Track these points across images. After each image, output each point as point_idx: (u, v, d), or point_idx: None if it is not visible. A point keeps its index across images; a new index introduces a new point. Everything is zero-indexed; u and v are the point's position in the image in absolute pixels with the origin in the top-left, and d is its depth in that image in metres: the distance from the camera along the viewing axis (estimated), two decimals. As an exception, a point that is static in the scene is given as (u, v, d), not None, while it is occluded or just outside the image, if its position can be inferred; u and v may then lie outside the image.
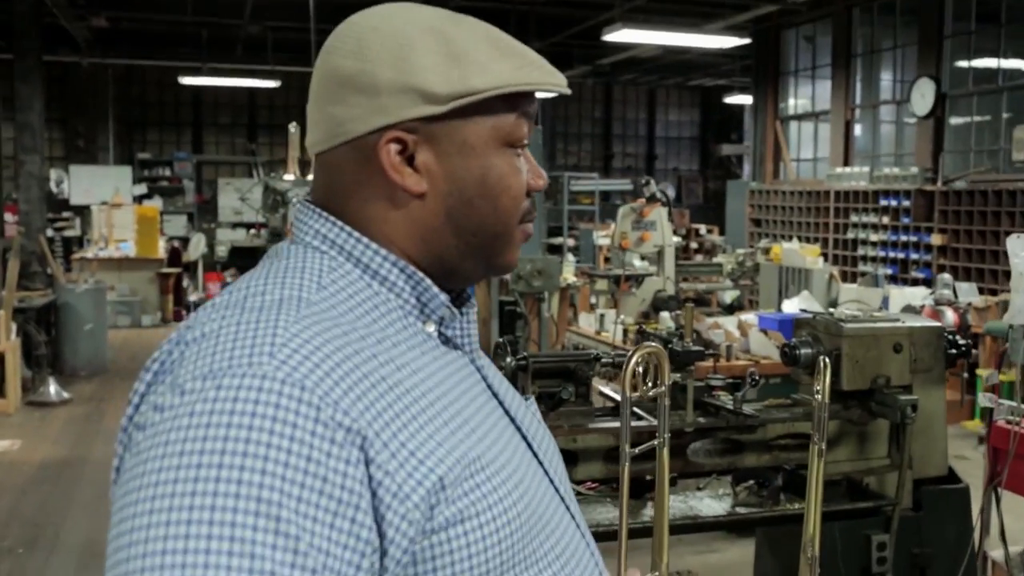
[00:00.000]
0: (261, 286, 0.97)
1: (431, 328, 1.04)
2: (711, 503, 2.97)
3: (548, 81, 1.04)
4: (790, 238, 11.74)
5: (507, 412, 1.10)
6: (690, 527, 2.89)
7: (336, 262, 1.01)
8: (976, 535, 3.30)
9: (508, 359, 2.81)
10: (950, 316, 7.08)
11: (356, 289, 1.00)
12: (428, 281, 1.03)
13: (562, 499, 1.10)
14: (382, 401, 0.90)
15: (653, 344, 1.61)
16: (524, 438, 1.09)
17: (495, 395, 1.10)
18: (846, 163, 14.11)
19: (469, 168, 1.02)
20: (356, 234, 1.02)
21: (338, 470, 0.84)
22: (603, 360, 2.82)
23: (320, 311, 0.93)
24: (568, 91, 1.08)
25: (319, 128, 1.04)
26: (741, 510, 2.93)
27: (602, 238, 9.72)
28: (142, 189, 18.96)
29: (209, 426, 0.82)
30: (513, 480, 0.98)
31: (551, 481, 1.10)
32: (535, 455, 1.09)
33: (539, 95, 1.10)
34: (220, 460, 0.81)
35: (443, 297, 1.04)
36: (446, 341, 1.06)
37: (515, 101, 1.04)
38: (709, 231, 14.27)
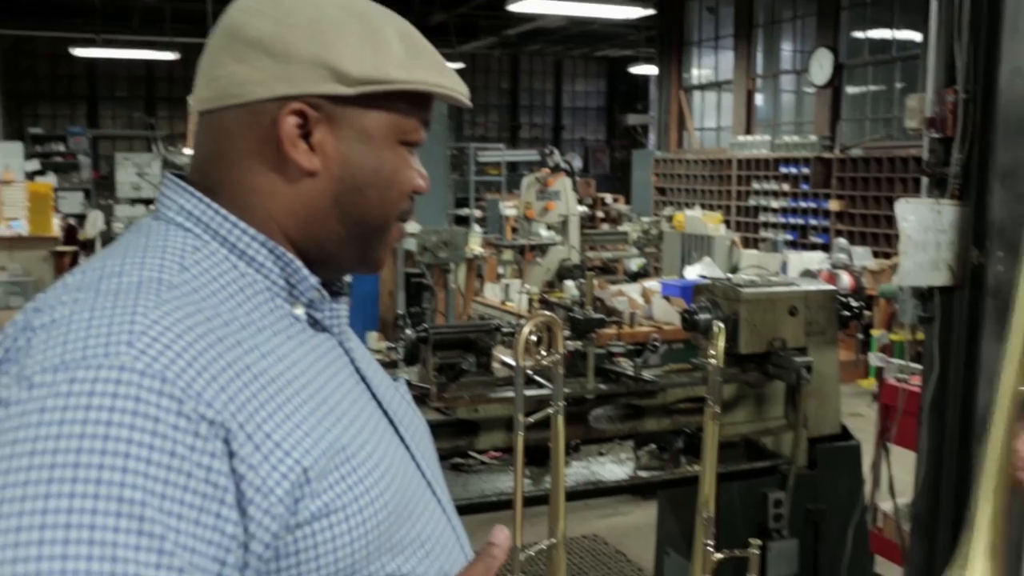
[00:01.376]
0: (118, 266, 0.91)
1: (299, 311, 1.01)
2: (613, 468, 3.00)
3: (456, 88, 1.05)
4: (693, 206, 11.92)
5: (375, 396, 1.07)
6: (593, 492, 2.92)
7: (200, 241, 0.97)
8: (867, 489, 3.41)
9: (408, 331, 2.79)
10: (845, 279, 7.25)
11: (221, 271, 0.95)
12: (298, 263, 1.00)
13: (428, 483, 1.09)
14: (246, 391, 0.86)
15: (546, 313, 1.61)
16: (392, 423, 1.07)
17: (363, 379, 1.07)
18: (748, 132, 14.36)
19: (365, 156, 1.01)
20: (223, 212, 0.98)
21: (202, 464, 0.81)
22: (504, 330, 2.82)
23: (182, 295, 0.89)
24: (469, 104, 1.09)
25: (212, 85, 0.99)
26: (643, 474, 2.97)
27: (509, 209, 9.74)
28: (35, 165, 18.22)
29: (63, 423, 0.77)
30: (380, 469, 0.96)
31: (418, 465, 1.08)
32: (402, 439, 1.08)
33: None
34: (76, 460, 0.76)
35: (313, 280, 1.01)
36: (314, 324, 1.03)
37: (419, 102, 1.03)
38: (615, 200, 14.40)
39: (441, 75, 1.03)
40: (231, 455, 0.83)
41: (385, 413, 1.07)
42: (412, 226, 8.15)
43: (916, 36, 11.51)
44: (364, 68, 0.97)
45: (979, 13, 2.80)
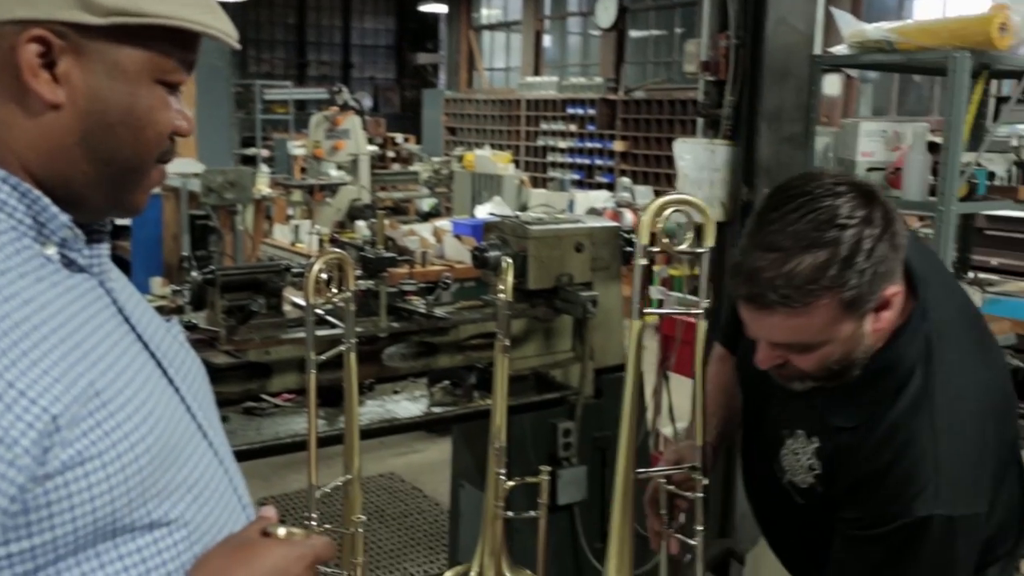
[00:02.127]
0: None
1: (51, 251, 0.95)
2: (408, 405, 3.03)
3: (221, 28, 0.99)
4: (483, 146, 12.02)
5: (141, 339, 1.03)
6: (387, 429, 2.94)
7: None
8: (649, 415, 3.59)
9: (194, 273, 2.70)
10: (629, 217, 7.57)
11: None
12: (46, 200, 0.94)
13: (200, 427, 1.06)
14: None
15: (336, 251, 1.60)
16: (160, 366, 1.04)
17: (128, 321, 1.03)
18: (536, 73, 14.57)
19: (116, 92, 0.95)
20: None
21: None
22: (294, 271, 2.78)
23: None
24: (236, 46, 1.04)
25: None
26: (436, 410, 3.02)
27: (297, 148, 9.49)
28: None
29: None
30: (141, 413, 0.94)
31: (188, 409, 1.06)
32: (171, 382, 1.05)
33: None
34: None
35: (64, 218, 0.95)
36: (70, 264, 0.97)
37: (180, 40, 0.98)
38: (406, 140, 14.29)
39: (204, 12, 0.98)
40: None
41: (153, 356, 1.04)
42: (195, 166, 7.84)
43: (694, -18, 11.95)
44: None
45: (749, -38, 2.95)
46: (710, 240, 1.51)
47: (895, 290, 1.37)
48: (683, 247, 1.54)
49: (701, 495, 1.61)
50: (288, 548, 0.98)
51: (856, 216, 1.32)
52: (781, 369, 1.46)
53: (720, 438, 1.79)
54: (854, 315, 1.35)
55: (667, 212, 1.50)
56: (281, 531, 0.99)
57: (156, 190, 7.36)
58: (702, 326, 1.62)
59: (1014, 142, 3.56)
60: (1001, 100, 3.68)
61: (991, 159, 3.37)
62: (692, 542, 1.59)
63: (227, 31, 1.01)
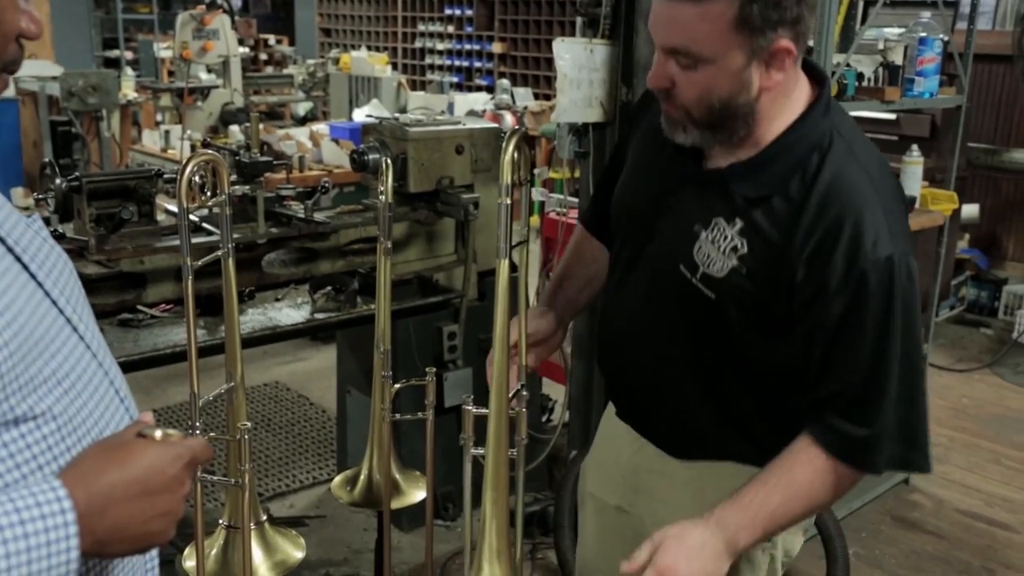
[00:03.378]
0: None
1: None
2: (290, 312, 3.00)
3: None
4: (359, 48, 11.72)
5: None
6: (270, 337, 2.91)
7: None
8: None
9: (58, 180, 2.58)
10: (508, 119, 7.54)
11: None
12: None
13: (68, 320, 1.04)
14: None
15: (209, 152, 1.54)
16: (19, 260, 1.00)
17: None
18: (412, -29, 14.17)
19: None
20: None
21: None
22: (166, 176, 2.68)
23: None
24: None
25: None
26: (319, 316, 2.99)
27: (164, 50, 9.06)
28: None
29: None
30: None
31: (54, 302, 1.03)
32: (33, 277, 1.01)
33: None
34: None
35: None
36: None
37: None
38: (279, 42, 13.82)
39: None
40: None
41: (11, 251, 1.00)
42: (53, 68, 7.42)
43: None
44: None
45: None
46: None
47: (788, 45, 1.44)
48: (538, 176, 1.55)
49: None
50: (164, 448, 0.97)
51: None
52: (668, 103, 1.52)
53: (568, 304, 1.92)
54: (744, 40, 1.42)
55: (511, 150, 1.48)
56: (158, 433, 0.98)
57: (10, 94, 6.93)
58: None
59: (880, 45, 3.65)
60: (869, 3, 3.77)
61: (859, 61, 3.46)
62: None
63: None
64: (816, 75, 1.59)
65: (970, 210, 6.18)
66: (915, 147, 3.73)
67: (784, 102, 1.52)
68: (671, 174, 1.64)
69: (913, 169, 3.65)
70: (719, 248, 1.54)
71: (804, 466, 1.51)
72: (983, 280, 6.31)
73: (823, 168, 1.48)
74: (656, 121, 1.61)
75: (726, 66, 1.44)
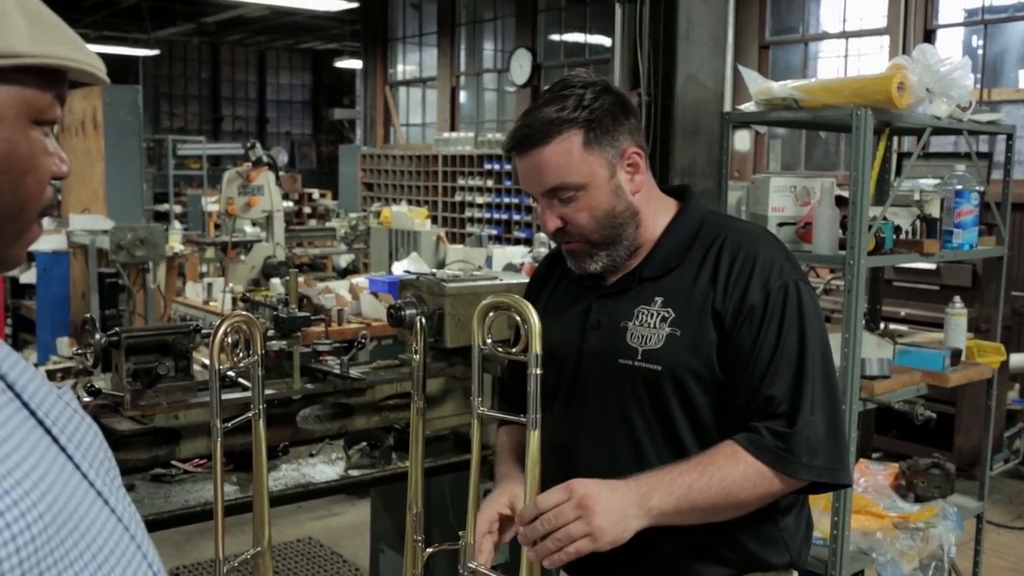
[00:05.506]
0: None
1: None
2: (324, 468, 2.95)
3: (91, 63, 0.96)
4: (400, 201, 12.01)
5: (27, 406, 0.97)
6: (304, 494, 2.86)
7: None
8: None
9: (98, 335, 2.60)
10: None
11: None
12: None
13: (99, 493, 1.01)
14: None
15: (242, 312, 1.55)
16: (49, 433, 0.98)
17: (11, 387, 0.97)
18: (452, 128, 14.65)
19: None
20: None
21: None
22: (203, 331, 2.70)
23: None
24: (106, 80, 1.01)
25: None
26: (354, 472, 2.94)
27: (211, 204, 9.35)
28: None
29: None
30: (27, 483, 0.88)
31: (85, 476, 1.00)
32: (63, 450, 0.99)
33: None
34: None
35: None
36: None
37: (50, 77, 0.94)
38: (322, 195, 14.23)
39: (73, 49, 0.94)
40: None
41: (41, 424, 0.98)
42: (104, 222, 7.65)
43: (606, 41, 12.20)
44: None
45: (657, 23, 3.00)
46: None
47: (635, 148, 1.71)
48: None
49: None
50: None
51: (587, 84, 1.72)
52: (566, 239, 1.74)
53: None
54: (599, 156, 1.67)
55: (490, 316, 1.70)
56: None
57: (63, 247, 7.10)
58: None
59: (916, 196, 3.66)
60: (903, 156, 3.80)
61: (896, 213, 3.46)
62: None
63: (98, 66, 0.98)
64: (677, 191, 1.85)
65: (1018, 360, 6.06)
66: (957, 298, 3.68)
67: (658, 203, 1.79)
68: (585, 300, 1.82)
69: (957, 321, 3.59)
70: (650, 326, 1.70)
71: (727, 457, 1.61)
72: (1036, 432, 6.14)
73: (717, 231, 1.73)
74: (552, 276, 1.88)
75: (597, 183, 1.68)
